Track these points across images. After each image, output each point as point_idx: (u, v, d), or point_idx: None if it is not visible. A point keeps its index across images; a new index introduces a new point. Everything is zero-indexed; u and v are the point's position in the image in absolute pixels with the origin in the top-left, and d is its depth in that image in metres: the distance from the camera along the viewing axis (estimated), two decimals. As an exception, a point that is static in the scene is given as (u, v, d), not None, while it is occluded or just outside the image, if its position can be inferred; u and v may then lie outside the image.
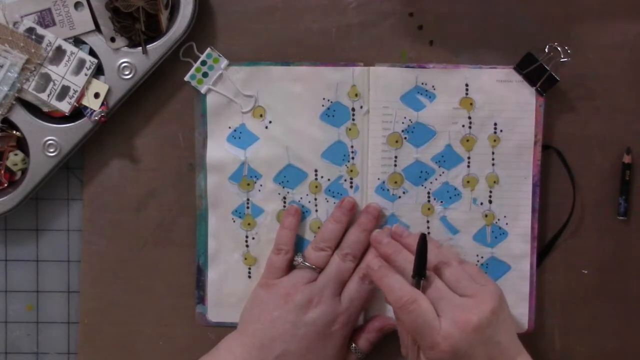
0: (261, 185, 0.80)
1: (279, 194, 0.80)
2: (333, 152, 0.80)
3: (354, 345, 0.78)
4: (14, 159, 0.78)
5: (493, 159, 0.79)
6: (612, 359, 0.80)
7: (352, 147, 0.80)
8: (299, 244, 0.80)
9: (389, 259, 0.75)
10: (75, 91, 0.77)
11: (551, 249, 0.80)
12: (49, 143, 0.77)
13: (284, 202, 0.80)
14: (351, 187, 0.80)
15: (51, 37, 0.76)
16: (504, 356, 0.70)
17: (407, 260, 0.73)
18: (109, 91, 0.77)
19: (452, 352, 0.69)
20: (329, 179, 0.80)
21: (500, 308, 0.71)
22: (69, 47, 0.77)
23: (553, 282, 0.80)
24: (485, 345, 0.69)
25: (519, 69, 0.78)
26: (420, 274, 0.71)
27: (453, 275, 0.72)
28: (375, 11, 0.79)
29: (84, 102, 0.77)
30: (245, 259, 0.81)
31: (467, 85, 0.79)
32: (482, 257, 0.80)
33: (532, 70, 0.78)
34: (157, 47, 0.77)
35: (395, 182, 0.80)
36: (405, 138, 0.79)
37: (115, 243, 0.81)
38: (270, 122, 0.80)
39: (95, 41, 0.77)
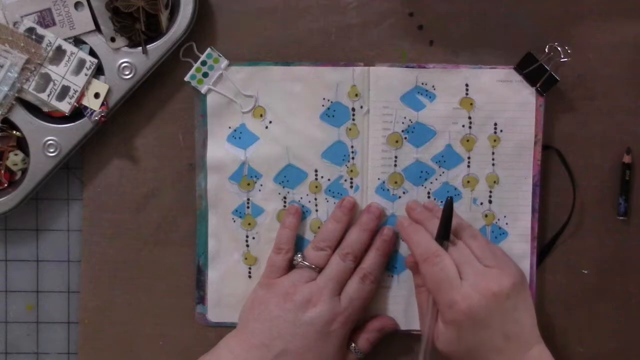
0: (261, 185, 0.80)
1: (279, 193, 0.80)
2: (333, 152, 0.80)
3: (353, 345, 0.78)
4: (14, 159, 0.78)
5: (493, 159, 0.79)
6: (612, 359, 0.80)
7: (352, 147, 0.80)
8: (299, 244, 0.80)
9: (420, 224, 0.77)
10: (75, 91, 0.77)
11: (551, 249, 0.80)
12: (49, 143, 0.77)
13: (284, 202, 0.80)
14: (351, 187, 0.80)
15: (51, 37, 0.76)
16: (521, 338, 0.70)
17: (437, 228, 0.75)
18: (109, 91, 0.77)
19: (469, 314, 0.70)
20: (329, 179, 0.80)
21: (522, 286, 0.72)
22: (69, 47, 0.77)
23: (553, 282, 0.80)
24: (503, 317, 0.70)
25: (519, 69, 0.78)
26: (445, 236, 0.73)
27: (479, 247, 0.74)
28: (375, 11, 0.79)
29: (84, 102, 0.77)
30: (246, 258, 0.81)
31: (467, 85, 0.79)
32: (482, 257, 0.80)
33: (532, 70, 0.78)
34: (157, 47, 0.77)
35: (396, 182, 0.80)
36: (405, 138, 0.79)
37: (115, 243, 0.81)
38: (270, 122, 0.80)
39: (95, 41, 0.77)
